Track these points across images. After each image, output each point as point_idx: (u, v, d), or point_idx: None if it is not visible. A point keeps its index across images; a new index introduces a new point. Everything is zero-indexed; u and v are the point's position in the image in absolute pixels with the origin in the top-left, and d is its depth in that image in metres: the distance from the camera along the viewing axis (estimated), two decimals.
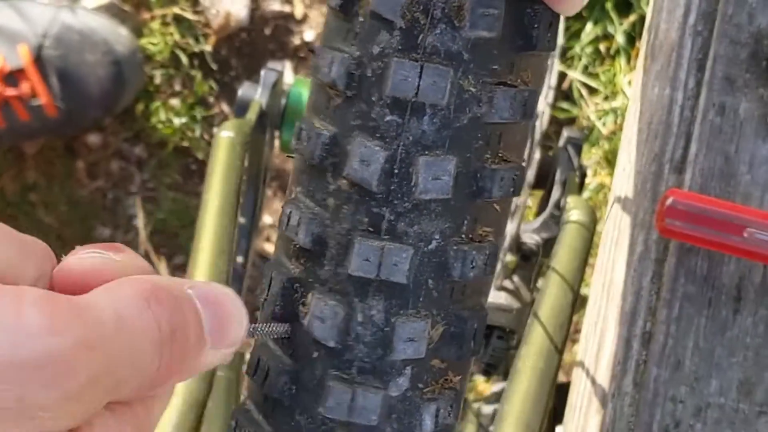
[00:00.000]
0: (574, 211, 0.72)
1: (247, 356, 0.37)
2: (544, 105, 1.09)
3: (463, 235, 0.33)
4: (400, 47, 0.32)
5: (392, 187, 0.32)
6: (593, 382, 0.53)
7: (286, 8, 1.62)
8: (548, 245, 1.00)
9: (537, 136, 1.06)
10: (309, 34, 1.50)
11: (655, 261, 0.52)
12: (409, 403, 0.33)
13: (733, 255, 0.50)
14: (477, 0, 0.31)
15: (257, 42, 1.43)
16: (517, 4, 0.32)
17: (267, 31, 1.44)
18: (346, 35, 0.33)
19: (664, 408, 0.51)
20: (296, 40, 1.46)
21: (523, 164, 0.34)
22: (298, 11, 1.63)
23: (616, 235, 0.55)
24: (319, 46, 0.34)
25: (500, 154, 0.33)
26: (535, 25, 0.33)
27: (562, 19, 0.38)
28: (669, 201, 0.48)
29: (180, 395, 0.58)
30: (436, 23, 0.31)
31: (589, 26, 1.34)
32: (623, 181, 0.55)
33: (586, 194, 1.31)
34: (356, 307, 0.32)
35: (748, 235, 0.47)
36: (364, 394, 0.32)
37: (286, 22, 1.58)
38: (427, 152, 0.32)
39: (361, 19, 0.32)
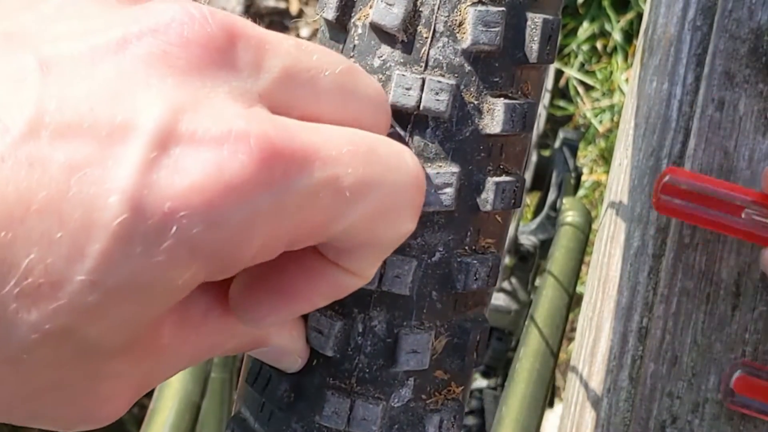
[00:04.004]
0: (570, 213, 0.72)
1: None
2: (540, 107, 1.09)
3: (466, 247, 0.33)
4: (401, 60, 0.32)
5: None
6: (588, 377, 0.53)
7: (281, 4, 1.61)
8: (545, 246, 1.00)
9: (534, 138, 1.06)
10: (305, 30, 1.50)
11: (651, 256, 0.52)
12: (412, 415, 0.33)
13: (729, 235, 0.49)
14: (478, 14, 0.31)
15: None
16: (517, 17, 0.33)
17: (262, 27, 1.44)
18: (343, 47, 0.33)
19: (660, 403, 0.51)
20: None
21: (524, 175, 0.35)
22: (294, 7, 1.62)
23: (612, 230, 0.54)
24: None
25: (502, 166, 0.33)
26: (535, 38, 0.33)
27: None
28: (666, 178, 0.48)
29: (176, 397, 0.58)
30: (439, 37, 0.32)
31: (585, 24, 1.34)
32: (619, 176, 0.55)
33: (581, 192, 1.31)
34: (356, 318, 0.32)
35: (746, 216, 0.47)
36: (363, 404, 0.32)
37: (281, 18, 1.57)
38: (429, 165, 0.32)
39: (359, 31, 0.32)
